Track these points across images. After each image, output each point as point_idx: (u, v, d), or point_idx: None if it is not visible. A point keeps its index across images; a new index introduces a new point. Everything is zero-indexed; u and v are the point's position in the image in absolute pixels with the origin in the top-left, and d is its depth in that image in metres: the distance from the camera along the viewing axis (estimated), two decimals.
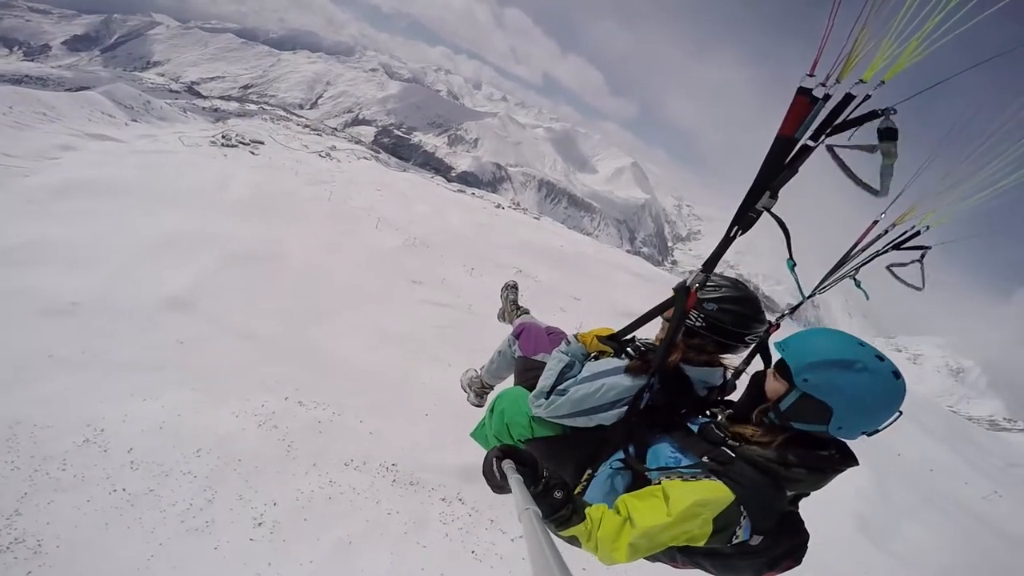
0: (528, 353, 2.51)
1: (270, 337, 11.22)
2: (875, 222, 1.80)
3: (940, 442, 14.00)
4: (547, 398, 1.89)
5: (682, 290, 1.66)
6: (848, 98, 1.24)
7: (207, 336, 10.97)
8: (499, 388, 2.64)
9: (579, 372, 1.91)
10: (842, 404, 1.39)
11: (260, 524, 7.22)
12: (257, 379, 9.79)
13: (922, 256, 1.79)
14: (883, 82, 1.19)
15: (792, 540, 1.51)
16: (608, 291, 18.53)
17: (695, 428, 1.68)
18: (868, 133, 1.29)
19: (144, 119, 27.56)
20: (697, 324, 1.81)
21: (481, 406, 3.22)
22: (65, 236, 12.10)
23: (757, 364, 1.89)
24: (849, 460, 1.48)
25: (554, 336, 2.62)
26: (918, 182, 1.51)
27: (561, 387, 1.86)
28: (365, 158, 32.06)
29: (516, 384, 2.43)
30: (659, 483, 1.49)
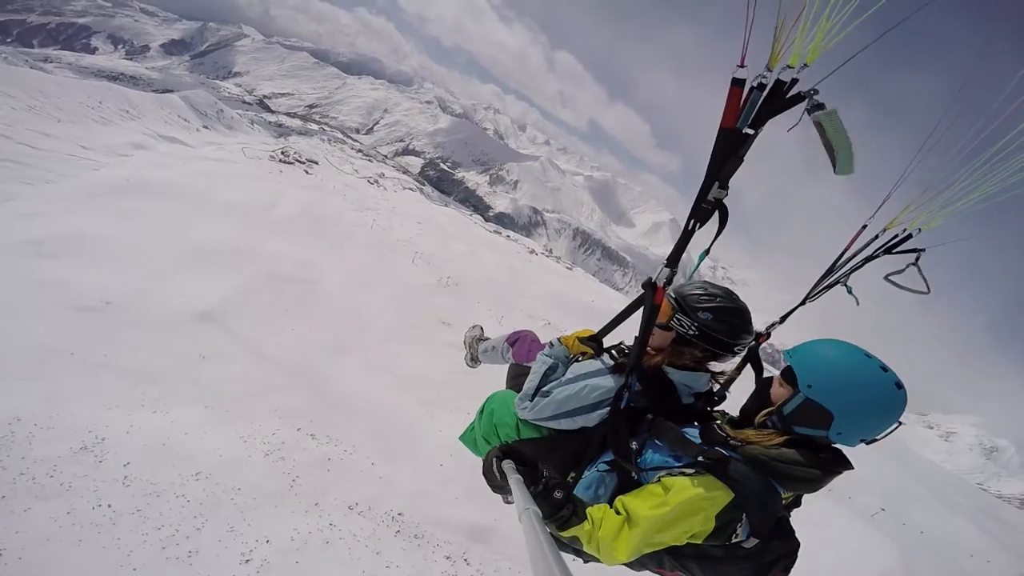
0: (520, 360, 2.53)
1: (291, 364, 10.87)
2: (864, 227, 1.88)
3: (967, 519, 13.10)
4: (531, 400, 1.91)
5: (649, 286, 1.69)
6: (779, 84, 1.27)
7: (229, 355, 10.66)
8: (491, 389, 2.62)
9: (563, 374, 1.92)
10: (843, 411, 1.42)
11: (248, 561, 6.60)
12: (271, 405, 9.35)
13: (916, 259, 1.83)
14: (806, 65, 1.24)
15: (783, 546, 1.51)
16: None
17: (692, 432, 1.66)
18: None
19: (214, 127, 28.78)
20: (690, 332, 1.80)
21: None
22: (113, 233, 12.17)
23: (748, 374, 1.93)
24: (843, 464, 1.49)
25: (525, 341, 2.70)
26: (908, 186, 1.61)
27: (545, 389, 1.89)
28: (410, 189, 32.62)
29: (507, 388, 2.45)
30: (657, 481, 1.51)
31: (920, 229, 1.82)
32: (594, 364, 1.88)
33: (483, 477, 1.49)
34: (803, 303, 2.15)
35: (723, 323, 1.78)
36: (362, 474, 7.21)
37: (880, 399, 1.41)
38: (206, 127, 27.92)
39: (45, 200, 12.74)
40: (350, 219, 20.08)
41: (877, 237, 1.93)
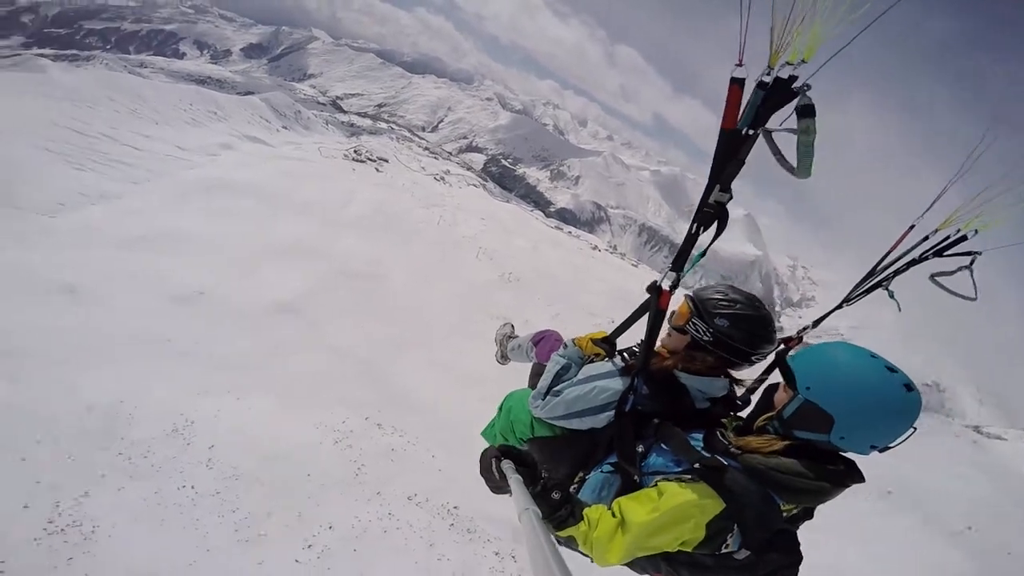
0: (543, 359, 2.55)
1: (359, 356, 11.48)
2: (912, 227, 1.83)
3: None
4: (544, 399, 1.95)
5: (654, 289, 1.69)
6: (778, 82, 1.25)
7: (304, 345, 11.44)
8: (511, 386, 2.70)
9: (575, 375, 1.94)
10: (844, 413, 1.36)
11: (310, 547, 7.02)
12: (341, 395, 9.95)
13: (971, 262, 1.77)
14: (804, 60, 1.23)
15: (781, 559, 1.46)
16: None
17: (699, 437, 1.62)
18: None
19: (293, 127, 30.91)
20: (704, 338, 1.76)
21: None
22: (205, 229, 13.43)
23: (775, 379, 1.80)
24: (854, 476, 1.43)
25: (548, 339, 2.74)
26: (963, 184, 1.54)
27: (556, 388, 1.91)
28: (474, 185, 33.23)
29: (529, 386, 2.48)
30: (654, 486, 1.50)
31: (976, 231, 1.74)
32: (605, 366, 1.89)
33: (481, 476, 1.52)
34: (839, 307, 2.13)
35: (740, 331, 1.73)
36: (423, 466, 7.48)
37: (886, 401, 1.33)
38: (285, 127, 30.07)
39: (147, 198, 14.30)
40: (418, 216, 20.81)
41: (927, 238, 1.86)
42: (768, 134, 1.33)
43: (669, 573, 1.60)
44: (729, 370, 1.84)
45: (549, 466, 2.00)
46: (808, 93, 1.26)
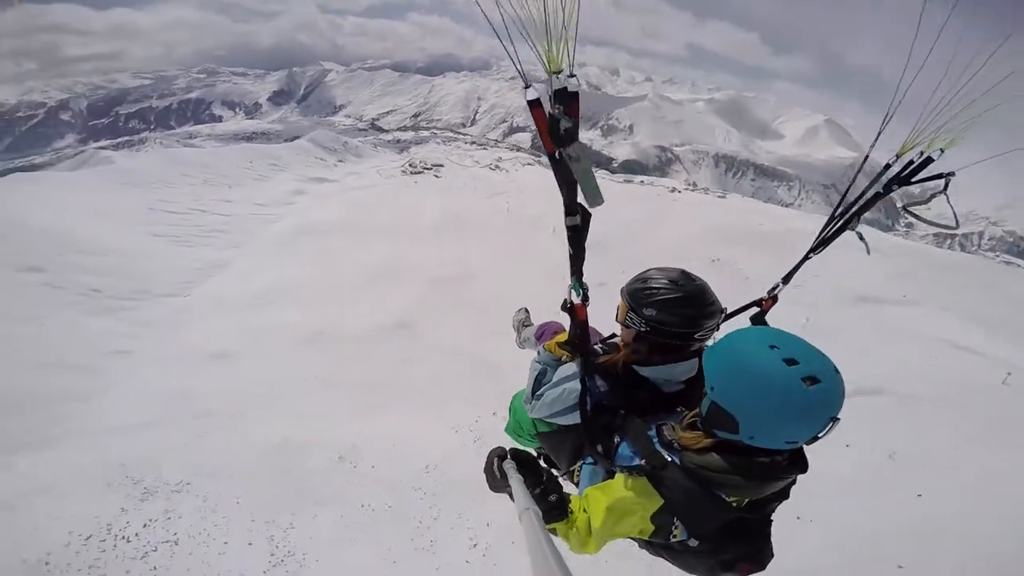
0: None
1: (469, 353, 12.14)
2: (866, 156, 1.90)
3: None
4: (530, 403, 2.11)
5: (567, 309, 1.78)
6: (559, 93, 1.31)
7: (422, 355, 12.32)
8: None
9: (551, 377, 2.05)
10: (744, 414, 1.34)
11: (475, 546, 7.67)
12: (464, 394, 10.66)
13: (945, 186, 1.72)
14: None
15: (742, 548, 1.51)
16: (837, 273, 15.53)
17: (653, 429, 1.66)
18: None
19: (347, 158, 32.89)
20: (642, 329, 1.79)
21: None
22: (304, 274, 14.80)
23: None
24: (794, 467, 1.45)
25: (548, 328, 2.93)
26: (918, 105, 1.56)
27: (539, 392, 2.06)
28: (529, 164, 33.16)
29: None
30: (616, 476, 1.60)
31: (942, 150, 1.64)
32: (571, 367, 1.98)
33: (484, 474, 1.59)
34: (807, 258, 2.04)
35: (671, 315, 1.74)
36: None
37: (783, 399, 1.27)
38: (341, 161, 32.06)
39: (250, 259, 16.02)
40: (485, 208, 21.29)
41: (889, 167, 1.75)
42: (567, 157, 1.34)
43: (654, 554, 1.76)
44: (689, 348, 1.82)
45: (554, 456, 2.22)
46: (570, 89, 1.31)
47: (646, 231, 19.65)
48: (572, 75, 1.33)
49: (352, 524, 8.50)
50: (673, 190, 29.84)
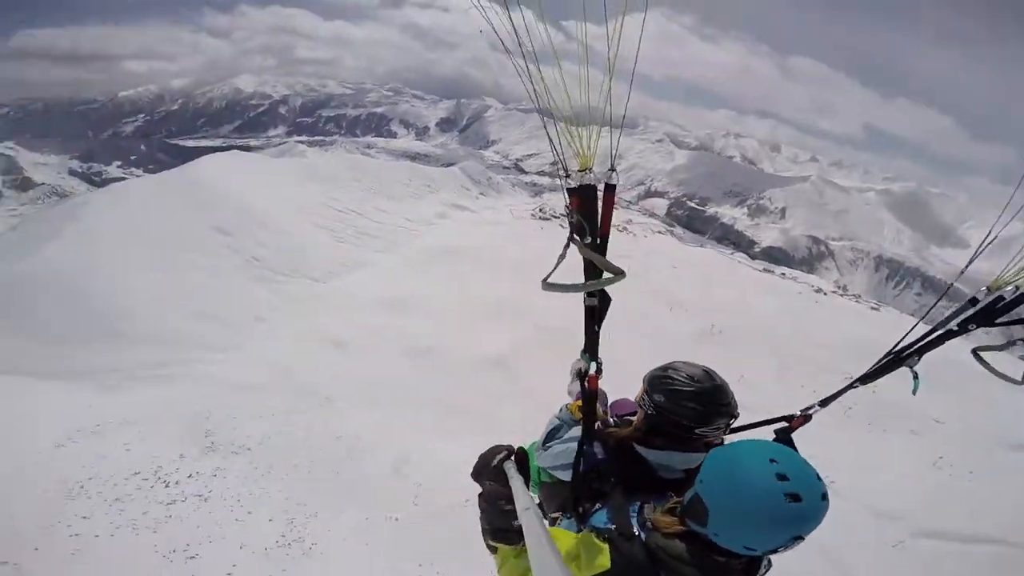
0: None
1: (556, 405, 12.25)
2: (949, 285, 2.02)
3: None
4: (539, 452, 2.32)
5: (580, 375, 1.93)
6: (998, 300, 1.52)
7: (508, 395, 12.74)
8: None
9: (565, 433, 2.24)
10: (717, 509, 1.40)
11: None
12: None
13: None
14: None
15: None
16: (993, 413, 13.41)
17: (634, 506, 1.72)
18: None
19: (487, 192, 35.50)
20: (650, 412, 1.90)
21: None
22: (430, 292, 16.24)
23: None
24: (747, 574, 1.48)
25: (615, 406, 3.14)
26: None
27: (548, 444, 2.26)
28: (660, 232, 32.84)
29: None
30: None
31: None
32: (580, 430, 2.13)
33: (475, 475, 1.68)
34: (852, 386, 2.02)
35: (679, 405, 1.82)
36: None
37: (759, 506, 1.33)
38: (482, 194, 34.72)
39: (389, 266, 18.05)
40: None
41: (976, 301, 1.64)
42: (574, 242, 1.57)
43: None
44: (706, 441, 1.87)
45: (545, 504, 2.38)
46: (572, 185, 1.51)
47: (779, 331, 18.39)
48: (588, 170, 1.59)
49: (371, 530, 8.94)
50: (818, 290, 27.37)
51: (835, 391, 2.09)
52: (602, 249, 1.67)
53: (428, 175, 33.27)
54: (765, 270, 32.95)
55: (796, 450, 1.73)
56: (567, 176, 1.65)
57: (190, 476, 9.63)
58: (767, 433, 2.03)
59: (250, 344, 14.12)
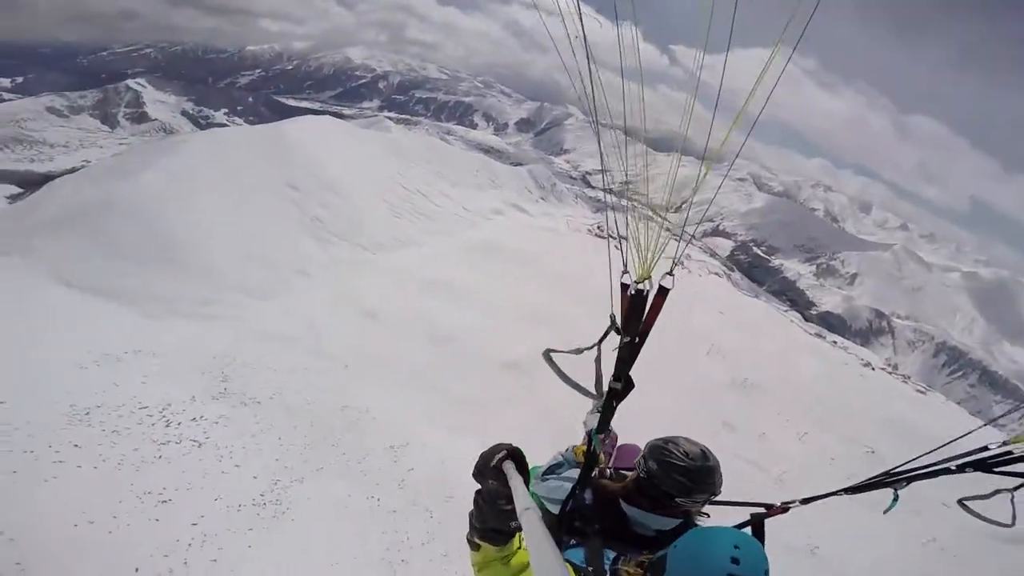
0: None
1: (561, 422, 12.25)
2: (967, 433, 1.86)
3: None
4: (539, 482, 2.50)
5: (591, 437, 2.24)
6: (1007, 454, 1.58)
7: (521, 402, 12.85)
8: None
9: (564, 471, 2.47)
10: (673, 570, 1.54)
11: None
12: (538, 454, 10.88)
13: (1016, 487, 1.64)
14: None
15: None
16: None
17: (610, 556, 1.88)
18: None
19: (548, 199, 35.61)
20: (641, 475, 2.07)
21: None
22: (469, 284, 16.59)
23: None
24: None
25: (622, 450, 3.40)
26: None
27: (547, 477, 2.48)
28: (716, 273, 31.97)
29: None
30: None
31: None
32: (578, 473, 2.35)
33: (476, 474, 1.71)
34: (837, 493, 2.12)
35: (667, 476, 1.98)
36: None
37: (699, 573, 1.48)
38: (543, 199, 34.90)
39: (438, 249, 18.57)
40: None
41: (986, 449, 1.71)
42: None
43: None
44: (683, 510, 2.06)
45: None
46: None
47: (814, 392, 17.67)
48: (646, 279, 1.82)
49: (350, 507, 9.10)
50: (866, 364, 25.90)
51: (823, 493, 2.19)
52: (638, 349, 1.89)
53: (495, 170, 33.74)
54: (817, 334, 31.47)
55: (763, 537, 2.04)
56: (624, 271, 1.91)
57: (193, 419, 9.86)
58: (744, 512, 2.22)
59: (288, 296, 14.82)
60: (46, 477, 7.77)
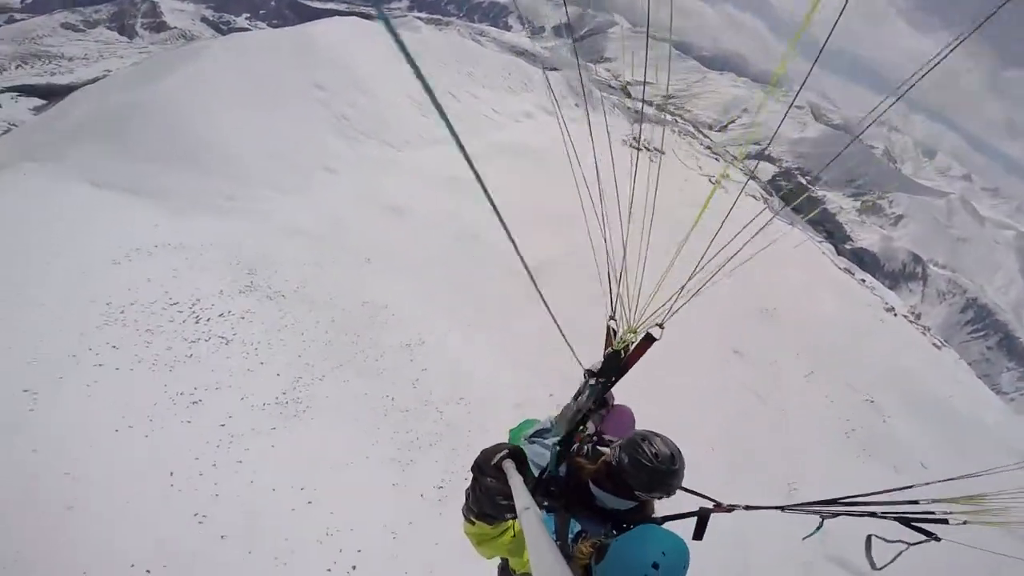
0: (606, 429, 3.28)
1: (580, 330, 12.45)
2: (906, 488, 1.99)
3: None
4: (521, 437, 2.81)
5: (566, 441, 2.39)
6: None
7: (529, 313, 12.97)
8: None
9: (548, 440, 2.66)
10: (610, 560, 1.79)
11: (440, 487, 8.68)
12: (558, 365, 11.28)
13: (916, 543, 1.85)
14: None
15: None
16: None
17: (575, 529, 2.15)
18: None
19: (583, 106, 33.74)
20: (612, 462, 2.23)
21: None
22: (496, 184, 15.99)
23: None
24: None
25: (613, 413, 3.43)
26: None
27: (533, 440, 2.71)
28: (752, 196, 30.61)
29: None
30: None
31: (967, 522, 1.73)
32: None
33: (476, 469, 1.77)
34: (773, 508, 2.29)
35: (633, 469, 2.14)
36: None
37: (624, 572, 1.68)
38: (578, 105, 33.05)
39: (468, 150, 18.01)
40: (680, 214, 20.56)
41: (917, 503, 1.86)
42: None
43: None
44: (642, 500, 2.26)
45: None
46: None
47: (832, 334, 17.49)
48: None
49: (366, 406, 9.45)
50: (889, 308, 25.28)
51: (769, 504, 2.38)
52: (609, 386, 2.24)
53: (528, 73, 31.81)
54: (846, 269, 30.51)
55: (704, 530, 2.30)
56: (612, 317, 2.17)
57: (221, 315, 10.11)
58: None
59: (313, 192, 14.81)
60: (88, 382, 8.01)
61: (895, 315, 24.78)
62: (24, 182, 12.11)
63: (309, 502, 7.58)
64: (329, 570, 6.85)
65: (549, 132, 22.78)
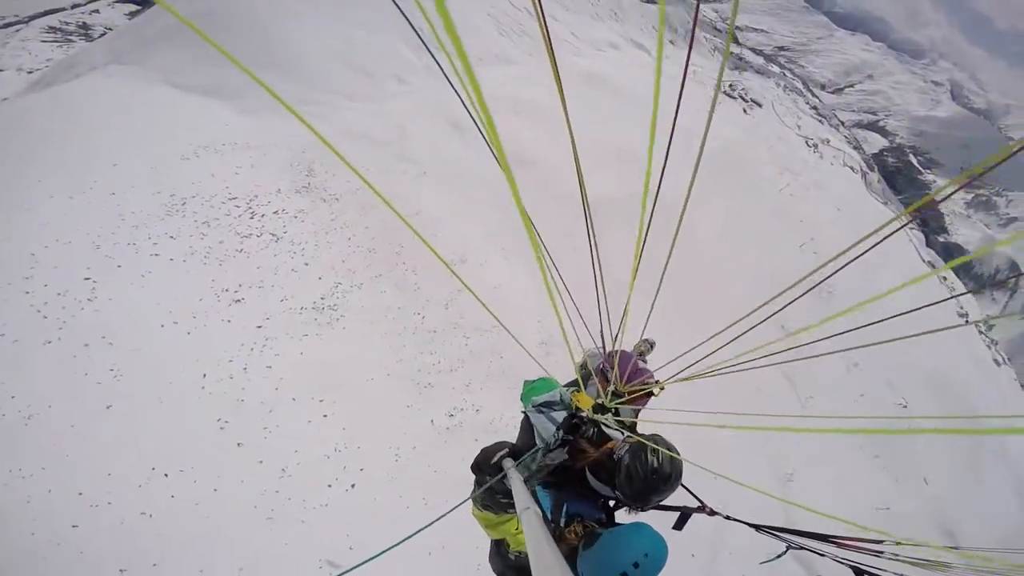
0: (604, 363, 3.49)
1: (644, 275, 12.06)
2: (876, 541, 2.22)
3: None
4: (531, 403, 2.83)
5: (559, 433, 2.37)
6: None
7: (581, 246, 12.57)
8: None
9: (555, 414, 2.66)
10: (595, 552, 1.90)
11: (451, 415, 8.43)
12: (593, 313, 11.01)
13: (784, 552, 2.44)
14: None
15: None
16: None
17: (569, 509, 2.26)
18: None
19: (679, 44, 30.98)
20: (613, 456, 2.30)
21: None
22: (561, 114, 15.36)
23: None
24: None
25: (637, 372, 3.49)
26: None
27: (541, 408, 2.73)
28: (851, 168, 27.57)
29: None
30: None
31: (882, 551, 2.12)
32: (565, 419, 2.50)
33: (476, 469, 1.81)
34: (747, 524, 2.39)
35: (630, 478, 2.12)
36: None
37: (609, 571, 1.76)
38: (672, 42, 30.35)
39: (534, 70, 17.07)
40: (764, 173, 18.94)
41: (881, 541, 2.16)
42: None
43: None
44: (617, 495, 2.31)
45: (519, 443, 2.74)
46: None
47: (887, 326, 16.00)
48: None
49: (396, 323, 9.23)
50: (963, 314, 22.61)
51: (746, 520, 2.44)
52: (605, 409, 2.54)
53: (620, 3, 29.25)
54: (929, 263, 27.36)
55: (684, 525, 2.41)
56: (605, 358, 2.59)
57: (275, 212, 10.18)
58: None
59: (381, 101, 14.68)
60: (142, 272, 8.15)
61: (966, 322, 22.22)
62: (108, 82, 12.72)
63: (325, 415, 7.54)
64: (330, 486, 6.83)
65: (634, 68, 21.12)
